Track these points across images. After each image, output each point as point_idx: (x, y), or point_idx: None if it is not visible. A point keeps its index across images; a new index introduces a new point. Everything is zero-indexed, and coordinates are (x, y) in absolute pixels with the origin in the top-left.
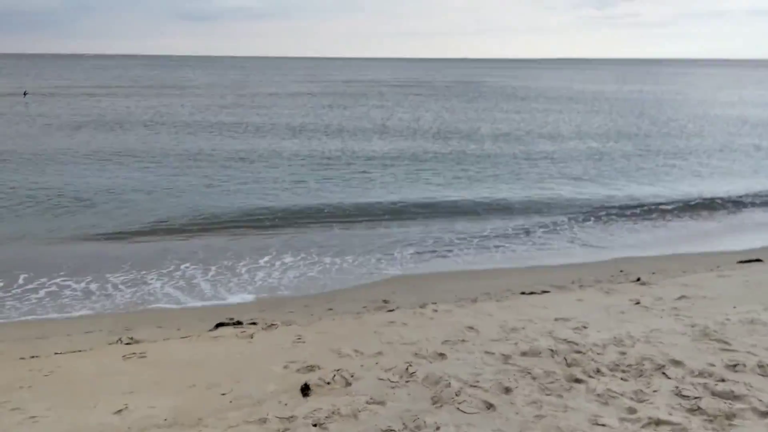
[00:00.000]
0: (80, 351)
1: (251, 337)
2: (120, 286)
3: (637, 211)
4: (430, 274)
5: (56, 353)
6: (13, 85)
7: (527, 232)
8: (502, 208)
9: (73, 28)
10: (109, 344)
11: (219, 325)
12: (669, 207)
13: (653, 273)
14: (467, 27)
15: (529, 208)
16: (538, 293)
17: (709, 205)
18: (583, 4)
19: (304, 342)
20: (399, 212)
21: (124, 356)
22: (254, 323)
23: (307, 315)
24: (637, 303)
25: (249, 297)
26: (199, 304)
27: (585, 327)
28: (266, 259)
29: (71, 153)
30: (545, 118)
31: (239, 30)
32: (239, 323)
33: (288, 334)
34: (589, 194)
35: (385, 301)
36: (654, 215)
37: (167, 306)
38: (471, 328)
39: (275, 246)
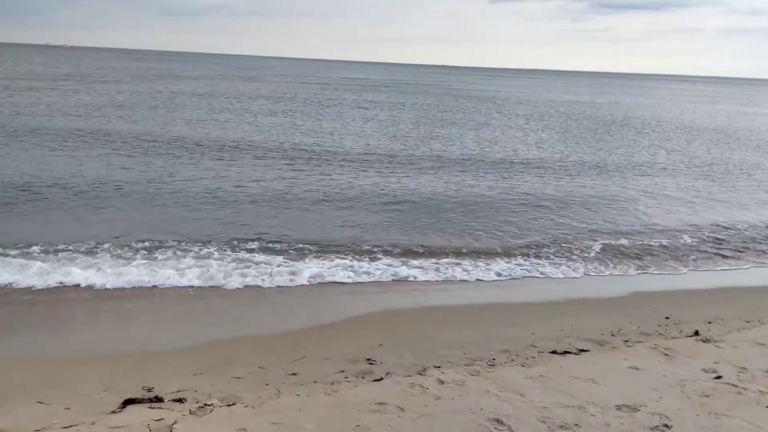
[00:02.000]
0: None
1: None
2: None
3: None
4: (423, 309)
5: None
6: None
7: (525, 254)
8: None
9: (54, 19)
10: None
11: (128, 402)
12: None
13: (709, 322)
14: (445, 35)
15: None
16: (575, 353)
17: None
18: (559, 17)
19: None
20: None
21: None
22: (180, 400)
23: (260, 384)
24: (718, 377)
25: (184, 340)
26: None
27: (668, 427)
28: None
29: None
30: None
31: (222, 27)
32: (158, 399)
33: (226, 426)
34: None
35: (370, 361)
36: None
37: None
38: (499, 422)
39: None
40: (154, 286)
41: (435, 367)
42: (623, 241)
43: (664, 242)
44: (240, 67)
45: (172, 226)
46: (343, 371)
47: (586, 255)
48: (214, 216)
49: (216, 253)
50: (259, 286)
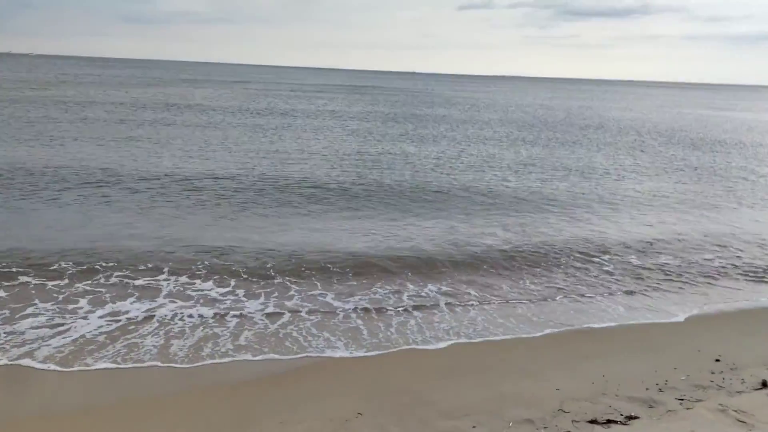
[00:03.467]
0: None
1: None
2: None
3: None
4: (409, 354)
5: None
6: None
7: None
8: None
9: (6, 25)
10: None
11: None
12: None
13: None
14: (414, 41)
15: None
16: (622, 422)
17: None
18: (526, 24)
19: None
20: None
21: None
22: None
23: None
24: None
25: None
26: None
27: None
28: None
29: None
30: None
31: (186, 34)
32: None
33: None
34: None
35: None
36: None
37: None
38: None
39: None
40: None
41: None
42: (633, 258)
43: (679, 259)
44: (183, 72)
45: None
46: None
47: (589, 273)
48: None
49: None
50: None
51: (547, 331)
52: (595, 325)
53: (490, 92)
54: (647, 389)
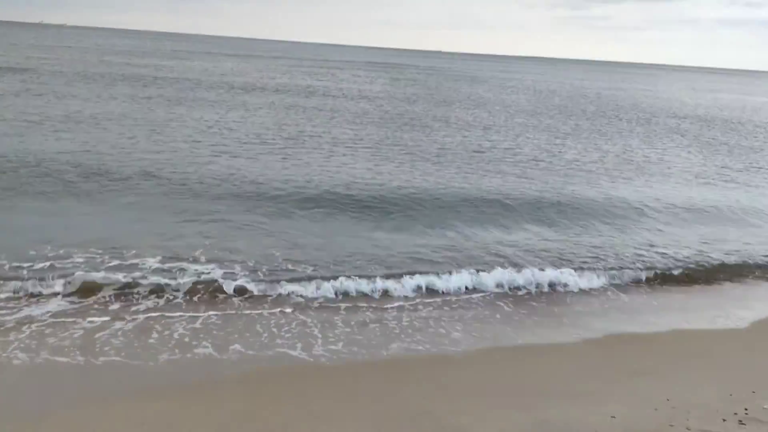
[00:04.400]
0: None
1: None
2: None
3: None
4: (421, 362)
5: None
6: None
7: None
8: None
9: None
10: None
11: None
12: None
13: None
14: (443, 21)
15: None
16: None
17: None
18: (558, 4)
19: None
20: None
21: None
22: None
23: None
24: None
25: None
26: None
27: None
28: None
29: None
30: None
31: (219, 11)
32: None
33: None
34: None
35: None
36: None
37: None
38: None
39: None
40: None
41: None
42: (686, 249)
43: (741, 251)
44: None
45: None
46: None
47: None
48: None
49: None
50: None
51: (584, 335)
52: (639, 330)
53: (530, 73)
54: (724, 420)
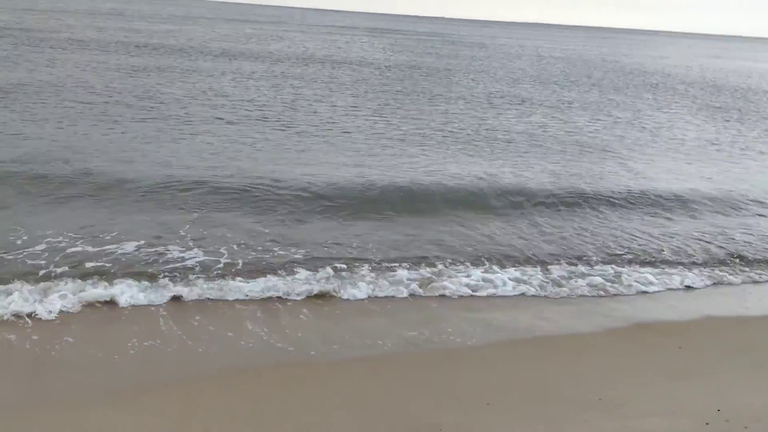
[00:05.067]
0: None
1: None
2: None
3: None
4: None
5: None
6: None
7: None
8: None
9: None
10: None
11: None
12: None
13: None
14: None
15: None
16: None
17: None
18: None
19: None
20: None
21: None
22: None
23: None
24: None
25: None
26: None
27: None
28: None
29: None
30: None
31: None
32: None
33: None
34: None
35: None
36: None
37: None
38: None
39: None
40: None
41: None
42: (720, 217)
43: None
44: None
45: None
46: None
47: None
48: None
49: None
50: None
51: (603, 324)
52: (665, 317)
53: (532, 39)
54: None
